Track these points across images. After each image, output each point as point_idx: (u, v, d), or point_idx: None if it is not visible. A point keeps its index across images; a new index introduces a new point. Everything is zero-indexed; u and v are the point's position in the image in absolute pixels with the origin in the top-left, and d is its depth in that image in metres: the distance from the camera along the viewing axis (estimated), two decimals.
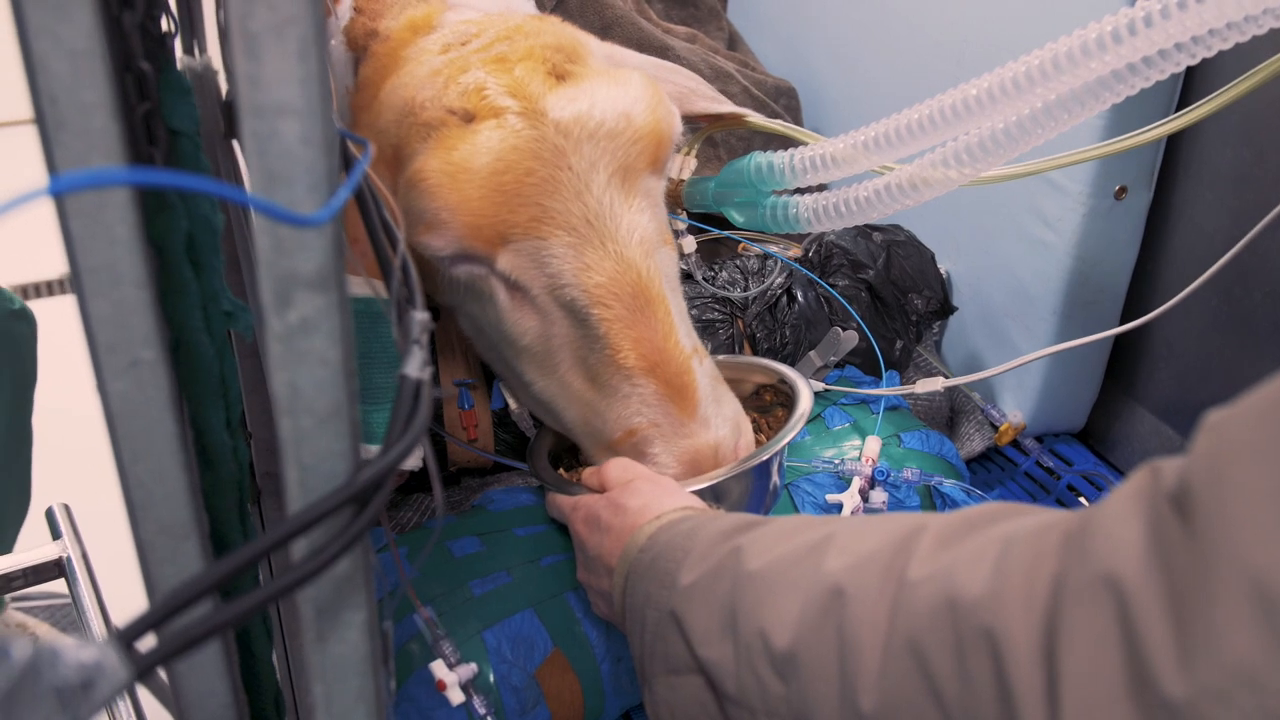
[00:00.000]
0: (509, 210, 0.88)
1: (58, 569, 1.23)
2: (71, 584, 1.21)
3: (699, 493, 0.91)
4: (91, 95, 0.50)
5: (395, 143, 0.92)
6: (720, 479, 0.92)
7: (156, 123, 0.66)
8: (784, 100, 1.60)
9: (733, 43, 1.79)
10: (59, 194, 0.49)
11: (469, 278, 0.93)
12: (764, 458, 0.94)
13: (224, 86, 1.15)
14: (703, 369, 0.93)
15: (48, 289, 3.01)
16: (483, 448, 1.23)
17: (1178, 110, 1.19)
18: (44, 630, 1.87)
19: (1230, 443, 0.43)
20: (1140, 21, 0.79)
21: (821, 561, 0.62)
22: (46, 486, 1.55)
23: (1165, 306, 1.10)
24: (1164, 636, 0.42)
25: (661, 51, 1.45)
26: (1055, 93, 0.85)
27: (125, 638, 0.44)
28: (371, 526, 0.58)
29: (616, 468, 0.92)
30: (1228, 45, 0.79)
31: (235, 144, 1.23)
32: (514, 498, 1.10)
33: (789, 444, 0.98)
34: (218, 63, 1.17)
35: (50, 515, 1.29)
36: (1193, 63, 0.81)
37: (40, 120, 0.51)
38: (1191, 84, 1.18)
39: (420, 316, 0.67)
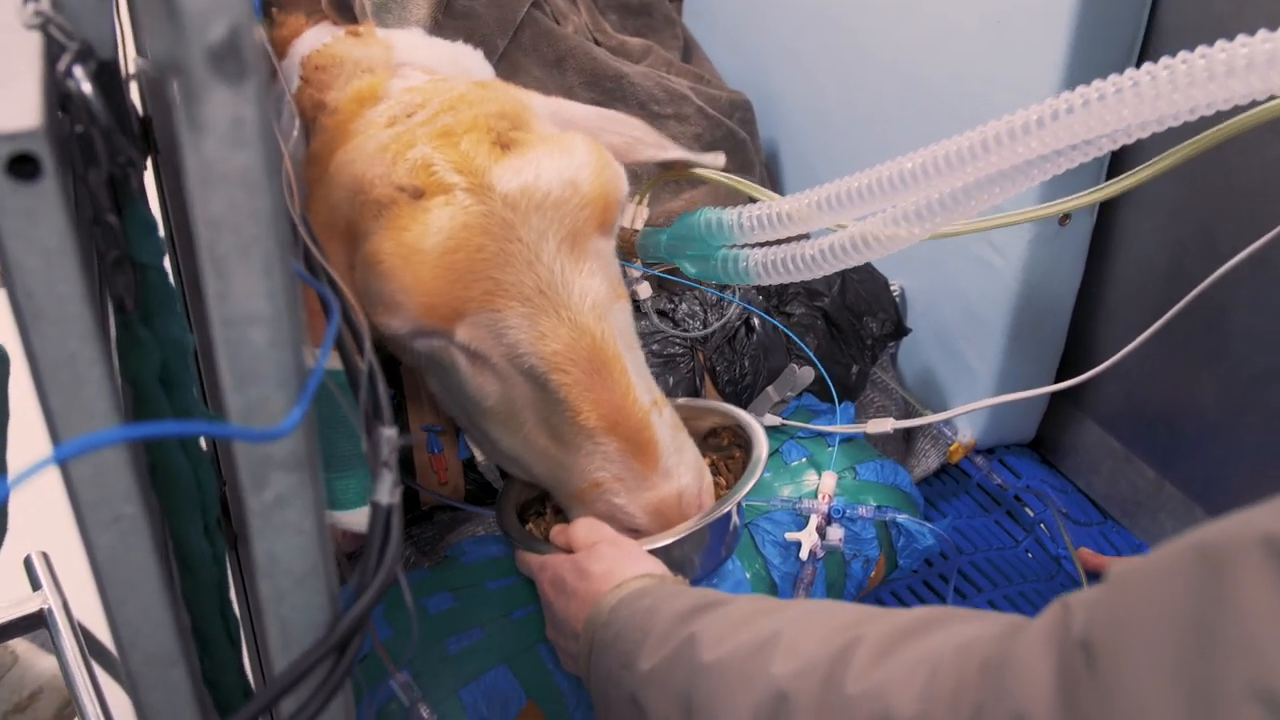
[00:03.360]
0: (463, 287, 0.90)
1: (39, 620, 1.26)
2: (54, 635, 1.24)
3: (665, 547, 0.95)
4: (65, 288, 0.53)
5: (348, 218, 0.95)
6: (681, 535, 0.96)
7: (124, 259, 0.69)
8: (739, 114, 1.62)
9: (688, 50, 1.81)
10: (64, 460, 0.52)
11: (429, 349, 0.96)
12: (720, 514, 0.98)
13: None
14: (663, 420, 0.97)
15: None
16: (453, 489, 1.26)
17: (1109, 174, 1.24)
18: (22, 648, 1.89)
19: (1131, 603, 0.47)
20: (1064, 111, 0.83)
21: (769, 662, 0.66)
22: (22, 533, 1.56)
23: (1129, 348, 1.15)
24: None
25: (616, 79, 1.46)
26: (987, 171, 0.89)
27: None
28: (350, 671, 0.62)
29: (583, 528, 0.96)
30: (1145, 134, 0.82)
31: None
32: (484, 549, 1.13)
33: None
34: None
35: (29, 565, 1.31)
36: (1114, 148, 0.84)
37: (17, 311, 0.53)
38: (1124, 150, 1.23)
39: (389, 434, 0.70)
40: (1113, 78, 0.81)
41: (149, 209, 0.69)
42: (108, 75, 0.72)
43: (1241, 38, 0.75)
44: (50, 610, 1.25)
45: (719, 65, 1.82)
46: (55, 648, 1.23)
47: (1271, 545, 0.41)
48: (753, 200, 1.10)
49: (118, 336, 0.69)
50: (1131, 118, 0.80)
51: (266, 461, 0.52)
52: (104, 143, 0.63)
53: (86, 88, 0.56)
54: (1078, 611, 0.50)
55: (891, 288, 1.48)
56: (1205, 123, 0.82)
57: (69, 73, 0.57)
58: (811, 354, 1.29)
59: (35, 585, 1.30)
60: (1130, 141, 0.83)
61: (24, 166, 0.49)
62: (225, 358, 0.50)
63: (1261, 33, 0.74)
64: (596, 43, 1.62)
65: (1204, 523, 1.23)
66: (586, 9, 1.66)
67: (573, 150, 0.94)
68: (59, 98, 0.58)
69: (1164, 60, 0.79)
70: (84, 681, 1.22)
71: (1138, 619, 0.45)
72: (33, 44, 0.56)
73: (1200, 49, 0.77)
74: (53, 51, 0.58)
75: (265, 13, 1.29)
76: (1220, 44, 0.76)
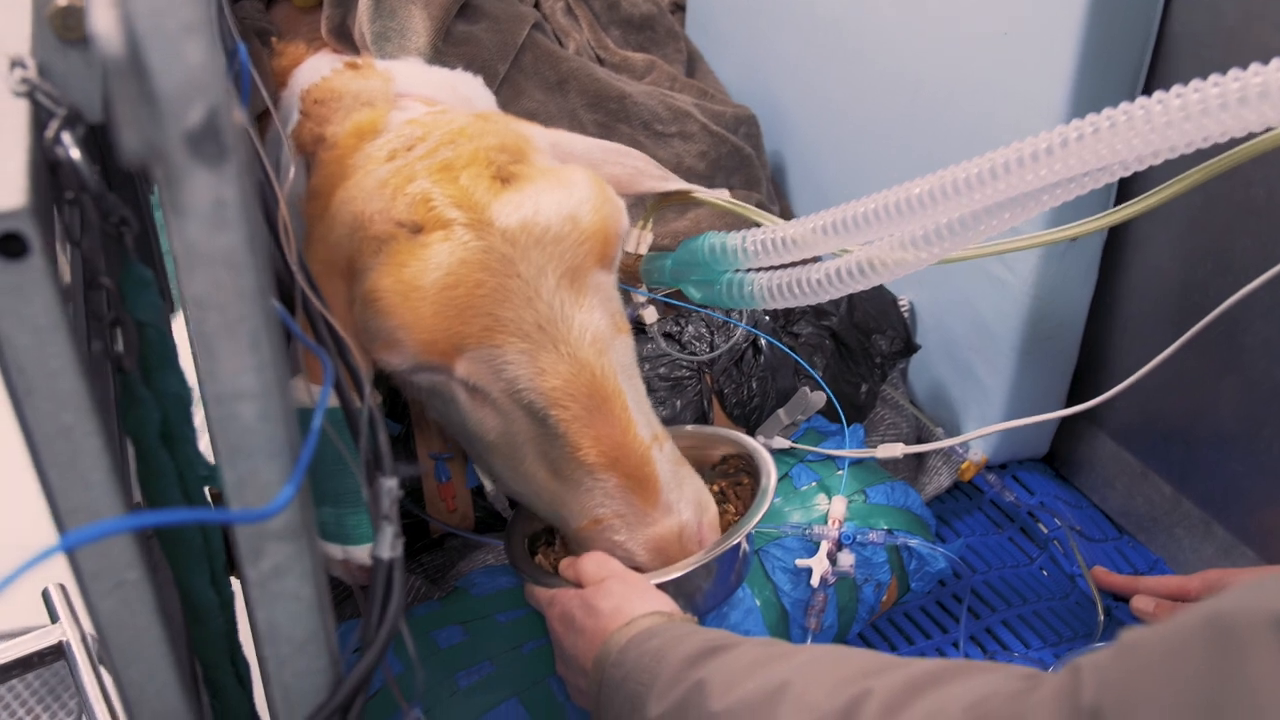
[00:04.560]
0: (461, 323, 0.90)
1: (58, 653, 1.26)
2: (72, 668, 1.24)
3: (674, 580, 0.94)
4: (57, 363, 0.52)
5: (348, 255, 0.94)
6: (689, 569, 0.96)
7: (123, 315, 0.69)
8: (744, 129, 1.61)
9: (692, 63, 1.80)
10: (70, 549, 0.52)
11: (430, 383, 0.96)
12: (727, 546, 0.97)
13: None
14: (663, 455, 0.97)
15: None
16: (462, 517, 1.26)
17: (1119, 193, 1.23)
18: None
19: (1142, 675, 0.46)
20: (1074, 138, 0.82)
21: (776, 714, 0.66)
22: (40, 566, 1.57)
23: (1147, 369, 1.13)
24: None
25: (619, 100, 1.46)
26: (995, 198, 0.88)
27: None
28: None
29: (591, 563, 0.95)
30: (1157, 161, 0.81)
31: None
32: (494, 581, 1.13)
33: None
34: None
35: (47, 597, 1.32)
36: (1125, 174, 0.83)
37: (10, 387, 0.53)
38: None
39: (389, 485, 0.70)
40: (1123, 105, 0.80)
41: (145, 267, 0.69)
42: (98, 136, 0.72)
43: (1255, 66, 0.74)
44: (68, 644, 1.26)
45: (723, 78, 1.81)
46: (74, 682, 1.24)
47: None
48: (757, 224, 1.09)
49: (118, 396, 0.69)
50: (1142, 146, 0.79)
51: (262, 534, 0.52)
52: (95, 206, 0.62)
53: (75, 154, 0.56)
54: (1088, 678, 0.49)
55: (901, 303, 1.46)
56: (1218, 146, 0.81)
57: (58, 140, 0.57)
58: (819, 377, 1.29)
59: (54, 618, 1.30)
60: (1142, 168, 0.82)
61: (11, 245, 0.49)
62: (217, 433, 0.49)
63: (1275, 61, 0.73)
64: (599, 60, 1.62)
65: (1221, 539, 1.22)
66: (589, 25, 1.65)
67: (572, 185, 0.94)
68: (48, 165, 0.58)
69: (1175, 88, 0.78)
70: (103, 715, 1.22)
71: (1148, 693, 0.45)
72: (19, 112, 0.56)
73: (1213, 77, 0.76)
74: (40, 118, 0.58)
75: (265, 42, 1.29)
76: (1233, 73, 0.75)
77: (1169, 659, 0.45)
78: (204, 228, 0.44)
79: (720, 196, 1.13)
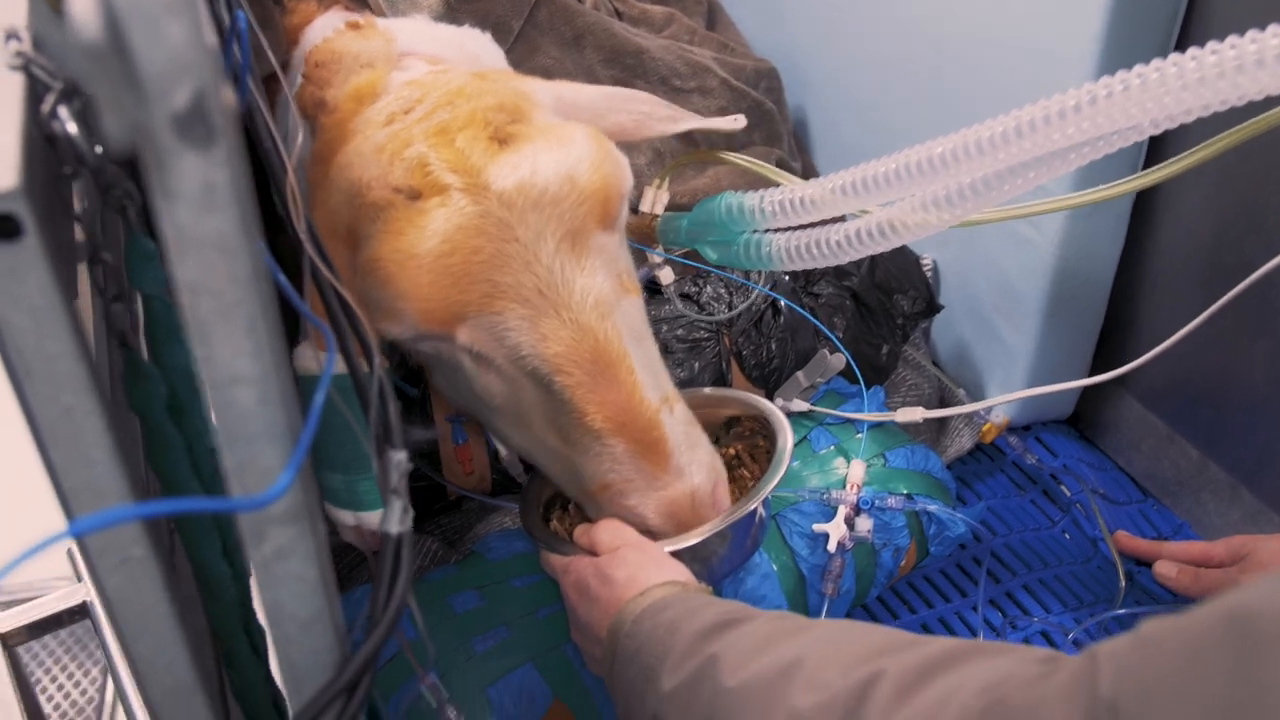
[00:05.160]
0: (459, 291, 0.89)
1: (83, 613, 1.27)
2: (96, 627, 1.25)
3: (690, 547, 0.94)
4: (55, 346, 0.52)
5: (348, 222, 0.93)
6: (705, 536, 0.95)
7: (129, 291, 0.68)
8: (765, 84, 1.58)
9: (712, 16, 1.76)
10: (79, 535, 0.51)
11: (434, 350, 0.95)
12: (743, 512, 0.97)
13: None
14: (674, 418, 0.95)
15: None
16: (479, 479, 1.26)
17: (1148, 153, 1.19)
18: None
19: (1160, 670, 0.45)
20: (1102, 96, 0.79)
21: (789, 692, 0.65)
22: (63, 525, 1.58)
23: (1179, 335, 1.11)
24: None
25: (636, 55, 1.43)
26: (1020, 158, 0.85)
27: None
28: (362, 709, 0.61)
29: (606, 532, 0.94)
30: (1189, 120, 0.78)
31: None
32: (510, 545, 1.13)
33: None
34: None
35: (72, 556, 1.33)
36: (1155, 133, 0.81)
37: (9, 367, 0.53)
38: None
39: (398, 458, 0.69)
40: (1155, 62, 0.78)
41: (149, 240, 0.68)
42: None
43: None
44: (92, 603, 1.27)
45: (744, 30, 1.78)
46: (99, 640, 1.25)
47: None
48: (777, 184, 1.07)
49: (124, 372, 0.68)
50: (1173, 105, 0.76)
51: (264, 518, 0.51)
52: (94, 181, 0.61)
53: (72, 128, 0.55)
54: (1106, 667, 0.48)
55: (924, 262, 1.44)
56: (1253, 105, 0.78)
57: (54, 114, 0.56)
58: (837, 340, 1.27)
59: (79, 576, 1.31)
60: (1172, 127, 0.79)
61: (4, 225, 0.48)
62: (216, 418, 0.49)
63: None
64: (617, 13, 1.59)
65: (1249, 504, 1.20)
66: None
67: (570, 143, 0.92)
68: (45, 139, 0.57)
69: (1210, 45, 0.75)
70: (127, 672, 1.23)
71: (1166, 689, 0.44)
72: (14, 86, 0.55)
73: (1250, 33, 0.73)
74: (37, 92, 0.57)
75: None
76: (1272, 29, 0.72)
77: (1187, 655, 0.44)
78: (194, 211, 0.43)
79: (736, 126, 1.09)
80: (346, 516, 1.01)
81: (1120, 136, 0.83)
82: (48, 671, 2.00)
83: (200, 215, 0.44)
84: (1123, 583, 1.21)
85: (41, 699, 1.95)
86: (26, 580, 1.34)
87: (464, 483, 1.27)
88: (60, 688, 1.98)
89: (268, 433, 0.49)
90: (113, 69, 0.41)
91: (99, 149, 0.56)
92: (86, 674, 1.84)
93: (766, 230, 1.06)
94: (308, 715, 0.56)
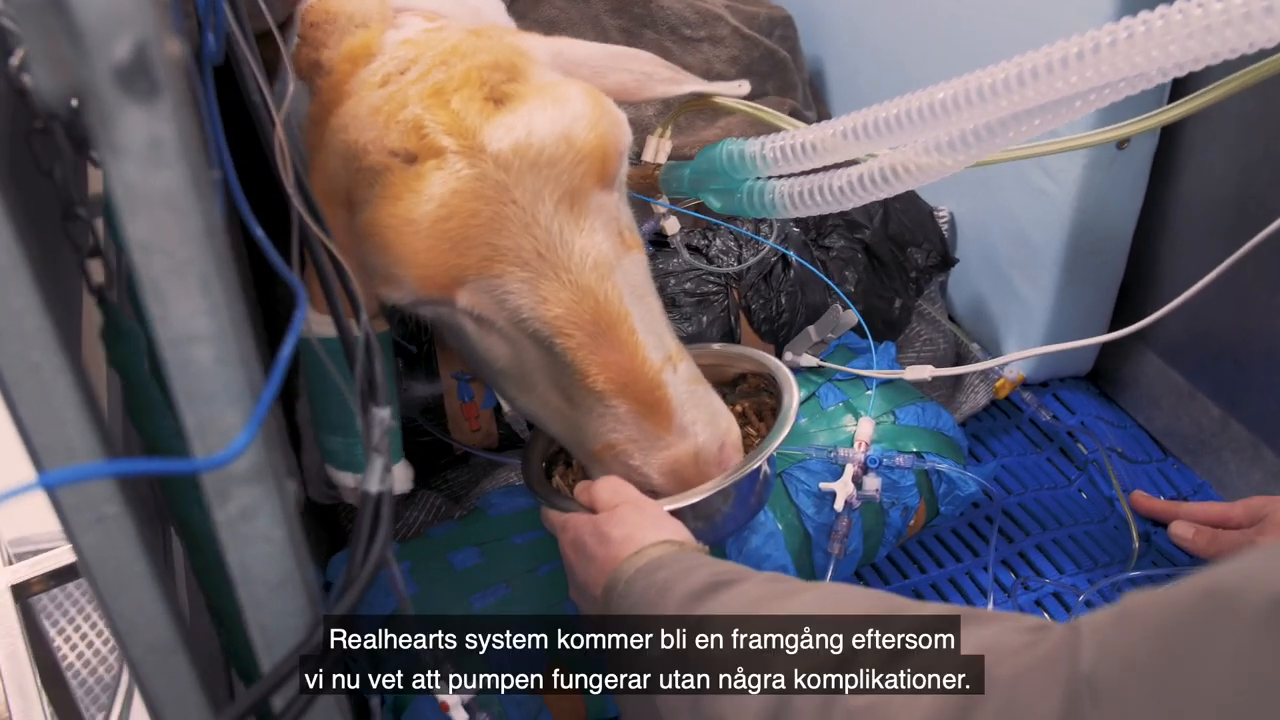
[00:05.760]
0: (458, 255, 0.88)
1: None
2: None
3: (691, 506, 0.93)
4: (20, 301, 0.51)
5: (346, 186, 0.92)
6: (706, 495, 0.94)
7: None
8: (779, 32, 1.55)
9: None
10: (50, 487, 0.51)
11: (435, 315, 0.94)
12: (745, 472, 0.95)
13: None
14: (677, 377, 0.94)
15: None
16: (485, 435, 1.26)
17: (1171, 95, 1.15)
18: None
19: (1138, 646, 0.44)
20: (1106, 44, 0.76)
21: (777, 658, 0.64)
22: None
23: (1199, 285, 1.08)
24: None
25: (644, 4, 1.39)
26: (1025, 105, 0.83)
27: None
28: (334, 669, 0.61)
29: (605, 489, 0.94)
30: (1199, 68, 0.75)
31: None
32: (512, 501, 1.12)
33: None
34: None
35: None
36: (1164, 80, 0.78)
37: None
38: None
39: (382, 415, 0.68)
40: (1161, 8, 0.75)
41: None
42: None
43: None
44: None
45: None
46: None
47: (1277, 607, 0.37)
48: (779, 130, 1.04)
49: (102, 328, 0.67)
50: (1180, 54, 0.73)
51: (227, 478, 0.51)
52: (65, 135, 0.60)
53: None
54: (1088, 640, 0.47)
55: (939, 214, 1.41)
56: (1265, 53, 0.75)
57: (25, 67, 0.54)
58: (844, 296, 1.24)
59: None
60: (1182, 74, 0.76)
61: None
62: (173, 378, 0.48)
63: None
64: None
65: (1271, 464, 1.17)
66: None
67: (567, 101, 0.90)
68: (15, 93, 0.56)
69: None
70: None
71: (1142, 665, 0.42)
72: None
73: None
74: (5, 45, 0.56)
75: None
76: None
77: (1166, 631, 0.43)
78: (141, 168, 0.42)
79: (740, 92, 1.07)
80: (346, 478, 1.01)
81: (1128, 84, 0.80)
82: (71, 621, 2.03)
83: (148, 171, 0.42)
84: (1137, 544, 1.19)
85: (66, 650, 1.98)
86: (47, 532, 1.35)
87: (470, 439, 1.26)
88: (84, 637, 2.01)
89: (226, 392, 0.48)
90: (49, 20, 0.39)
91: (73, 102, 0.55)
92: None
93: (770, 177, 1.04)
94: (276, 677, 0.56)
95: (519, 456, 1.21)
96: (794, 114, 1.41)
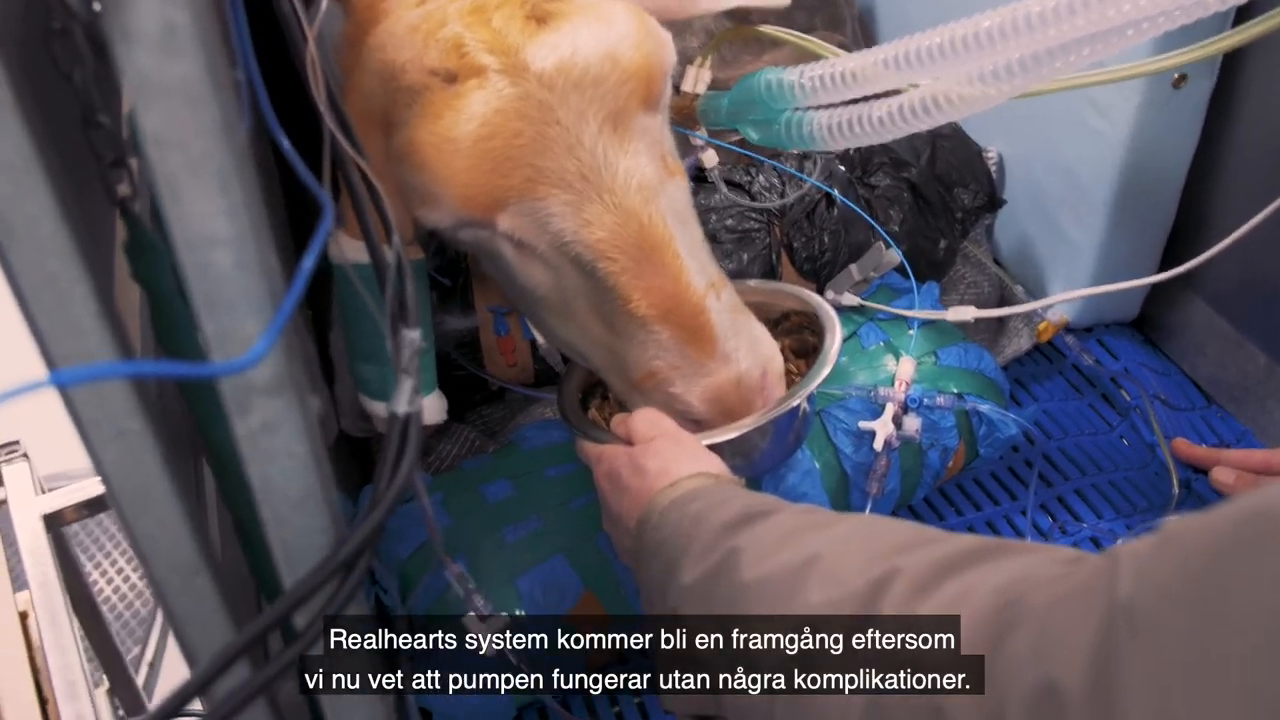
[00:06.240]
0: (501, 176, 0.86)
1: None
2: None
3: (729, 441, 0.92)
4: (34, 207, 0.50)
5: (383, 106, 0.91)
6: (744, 430, 0.92)
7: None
8: None
9: None
10: (62, 385, 0.50)
11: (474, 239, 0.93)
12: (784, 409, 0.94)
13: None
14: (720, 304, 0.92)
15: None
16: (521, 370, 1.24)
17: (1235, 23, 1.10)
18: None
19: (1181, 573, 0.42)
20: None
21: (804, 587, 0.63)
22: None
23: (1248, 226, 1.04)
24: None
25: None
26: (1071, 36, 0.79)
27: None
28: (360, 588, 0.60)
29: (643, 422, 0.92)
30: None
31: None
32: (546, 434, 1.12)
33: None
34: None
35: None
36: (1222, 8, 0.74)
37: None
38: None
39: (411, 336, 0.67)
40: None
41: None
42: None
43: None
44: None
45: None
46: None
47: None
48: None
49: (127, 241, 0.66)
50: None
51: (247, 388, 0.50)
52: (85, 36, 0.59)
53: None
54: (1126, 568, 0.45)
55: (987, 155, 1.37)
56: None
57: None
58: (887, 235, 1.21)
59: None
60: (1223, 9, 0.72)
61: None
62: (192, 283, 0.47)
63: None
64: None
65: None
66: None
67: (611, 20, 0.88)
68: None
69: None
70: None
71: (1187, 590, 0.40)
72: None
73: None
74: None
75: None
76: None
77: (1210, 554, 0.41)
78: (155, 56, 0.40)
79: (782, 2, 1.04)
80: (379, 408, 1.01)
81: (1183, 12, 0.77)
82: (108, 555, 2.06)
83: (162, 60, 0.41)
84: (1175, 490, 1.16)
85: (103, 584, 2.01)
86: (83, 467, 1.36)
87: (506, 374, 1.25)
88: (120, 571, 2.04)
89: (246, 299, 0.47)
90: None
91: (95, 4, 0.54)
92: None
93: (809, 108, 1.01)
94: (297, 595, 0.55)
95: (554, 391, 1.20)
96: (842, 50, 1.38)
